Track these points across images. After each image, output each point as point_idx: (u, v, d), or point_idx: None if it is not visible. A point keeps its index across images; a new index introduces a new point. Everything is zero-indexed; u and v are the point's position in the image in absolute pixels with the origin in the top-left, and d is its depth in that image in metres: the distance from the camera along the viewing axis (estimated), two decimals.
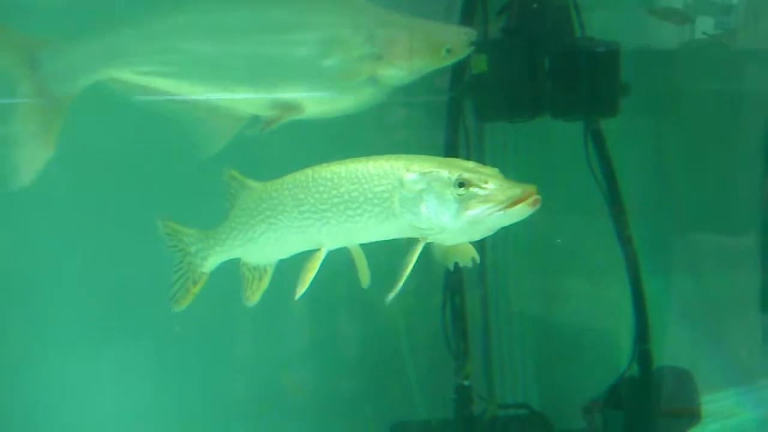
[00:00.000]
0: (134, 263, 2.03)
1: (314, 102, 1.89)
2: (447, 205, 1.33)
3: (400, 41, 1.89)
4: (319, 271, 1.44)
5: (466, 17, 2.20)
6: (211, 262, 1.60)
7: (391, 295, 1.38)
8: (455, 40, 1.93)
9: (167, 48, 1.82)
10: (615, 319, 2.44)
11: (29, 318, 2.11)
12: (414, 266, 1.43)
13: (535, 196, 1.29)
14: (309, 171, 1.46)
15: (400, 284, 1.37)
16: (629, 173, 2.34)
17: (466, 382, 2.36)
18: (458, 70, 2.23)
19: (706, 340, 2.51)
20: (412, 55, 1.90)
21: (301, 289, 1.44)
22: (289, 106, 1.86)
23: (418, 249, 1.39)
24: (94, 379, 2.20)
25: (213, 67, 1.85)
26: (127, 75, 1.80)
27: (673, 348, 2.37)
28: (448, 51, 1.92)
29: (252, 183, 1.55)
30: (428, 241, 1.39)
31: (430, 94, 2.30)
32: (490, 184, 1.32)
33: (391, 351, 2.52)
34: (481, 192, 1.32)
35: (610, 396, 2.36)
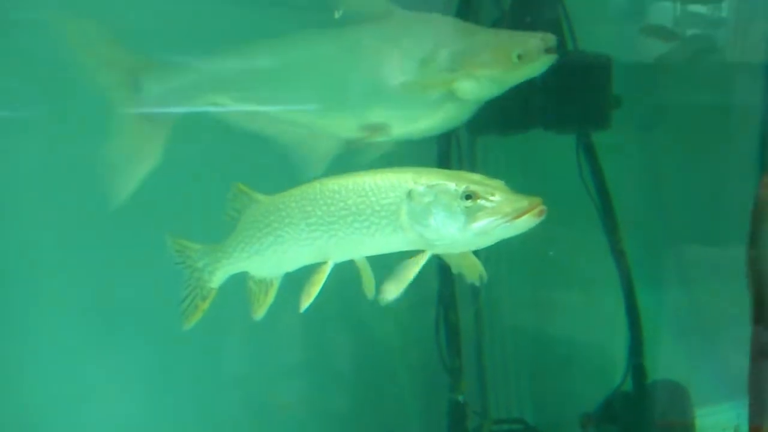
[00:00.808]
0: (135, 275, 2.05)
1: (399, 122, 1.87)
2: (454, 218, 1.35)
3: (470, 52, 1.84)
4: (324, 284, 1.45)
5: None
6: (219, 276, 1.61)
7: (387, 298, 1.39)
8: (526, 45, 1.83)
9: (263, 74, 1.88)
10: (609, 333, 2.44)
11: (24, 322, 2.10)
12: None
13: (541, 207, 1.32)
14: (317, 183, 1.47)
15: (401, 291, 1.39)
16: (622, 186, 2.34)
17: (460, 398, 2.35)
18: None
19: (701, 354, 2.50)
20: (482, 66, 1.84)
21: (307, 302, 1.45)
22: (376, 128, 1.86)
23: (423, 259, 1.40)
24: (86, 392, 2.19)
25: (303, 92, 1.88)
26: (225, 100, 1.85)
27: (667, 361, 2.37)
28: (519, 57, 1.83)
29: (259, 196, 1.55)
30: (435, 252, 1.41)
31: None
32: (497, 196, 1.34)
33: (384, 367, 2.51)
34: (487, 204, 1.34)
35: (604, 410, 2.35)
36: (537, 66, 1.86)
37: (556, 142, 2.31)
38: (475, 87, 1.84)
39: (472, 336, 2.56)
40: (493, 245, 1.42)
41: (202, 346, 2.13)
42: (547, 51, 1.85)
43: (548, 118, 2.22)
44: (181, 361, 2.23)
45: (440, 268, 2.24)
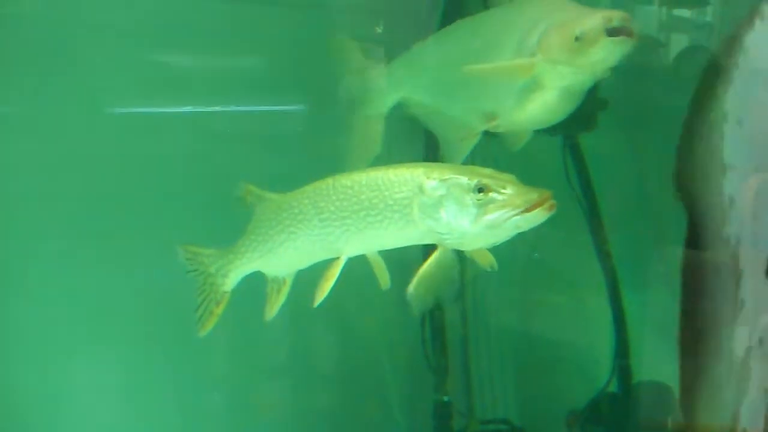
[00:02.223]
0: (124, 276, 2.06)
1: (503, 111, 1.84)
2: (466, 211, 1.37)
3: (545, 35, 1.68)
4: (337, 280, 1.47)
5: None
6: (232, 278, 1.61)
7: (411, 291, 1.42)
8: (584, 26, 1.61)
9: (437, 71, 2.02)
10: (595, 334, 2.44)
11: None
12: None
13: (551, 201, 1.33)
14: (329, 179, 1.49)
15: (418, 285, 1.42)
16: (607, 187, 2.35)
17: (445, 398, 2.35)
18: None
19: None
20: (549, 50, 1.67)
21: (320, 297, 1.46)
22: (489, 117, 1.87)
23: (438, 254, 1.42)
24: (70, 392, 2.18)
25: (455, 85, 1.98)
26: (417, 94, 2.05)
27: (652, 362, 2.37)
28: (578, 39, 1.61)
29: (270, 195, 1.56)
30: (447, 246, 1.42)
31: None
32: (508, 189, 1.35)
33: (369, 366, 2.50)
34: (499, 197, 1.35)
35: (589, 411, 2.35)
36: (602, 49, 1.61)
37: (543, 143, 2.31)
38: (553, 74, 1.70)
39: (457, 336, 2.55)
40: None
41: (186, 346, 2.12)
42: (610, 33, 1.60)
43: None
44: (165, 362, 2.22)
45: None
